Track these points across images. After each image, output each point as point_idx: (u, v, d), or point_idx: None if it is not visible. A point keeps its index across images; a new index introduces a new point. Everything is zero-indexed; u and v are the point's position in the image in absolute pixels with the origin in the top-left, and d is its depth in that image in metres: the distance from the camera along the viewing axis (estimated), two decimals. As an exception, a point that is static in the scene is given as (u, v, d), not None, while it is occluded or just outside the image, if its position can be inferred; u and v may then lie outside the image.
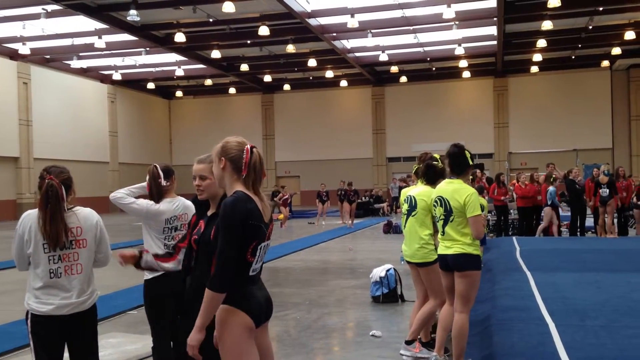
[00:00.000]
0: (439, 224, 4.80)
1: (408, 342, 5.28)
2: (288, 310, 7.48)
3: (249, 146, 2.94)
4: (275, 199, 23.06)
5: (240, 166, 2.91)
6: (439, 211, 4.76)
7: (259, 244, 2.88)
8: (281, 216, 21.72)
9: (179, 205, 4.36)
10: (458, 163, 4.76)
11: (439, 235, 4.84)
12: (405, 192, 5.59)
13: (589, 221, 15.69)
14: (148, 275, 4.25)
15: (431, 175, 5.31)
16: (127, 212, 4.44)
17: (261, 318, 2.93)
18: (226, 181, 2.95)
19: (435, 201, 4.80)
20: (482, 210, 6.60)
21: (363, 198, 28.83)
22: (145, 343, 5.61)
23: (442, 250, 4.78)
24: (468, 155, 4.76)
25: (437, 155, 5.42)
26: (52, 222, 3.37)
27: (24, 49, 26.68)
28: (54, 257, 3.42)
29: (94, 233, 3.56)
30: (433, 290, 5.19)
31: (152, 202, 4.32)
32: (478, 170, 16.01)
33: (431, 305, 5.19)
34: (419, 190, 5.33)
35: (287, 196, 23.16)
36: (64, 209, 3.43)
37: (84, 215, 3.55)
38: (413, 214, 5.28)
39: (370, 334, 6.27)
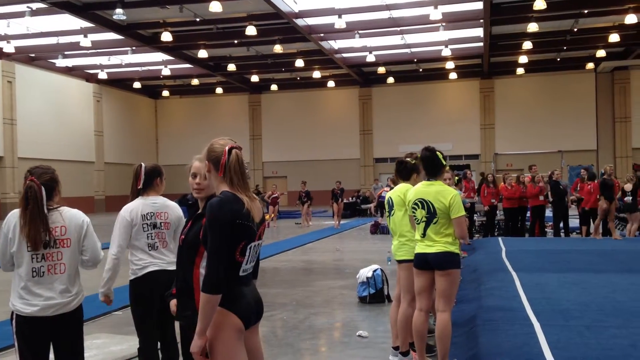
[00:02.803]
0: (420, 226, 4.77)
1: (403, 354, 5.17)
2: (275, 311, 7.47)
3: (227, 147, 2.90)
4: (265, 197, 23.07)
5: (218, 168, 2.91)
6: (420, 213, 4.76)
7: (248, 243, 2.86)
8: (267, 216, 21.71)
9: (157, 203, 4.30)
10: (432, 165, 4.82)
11: (418, 237, 4.82)
12: (387, 195, 5.64)
13: (573, 222, 15.85)
14: (132, 276, 4.23)
15: (402, 170, 5.41)
16: (125, 244, 4.24)
17: (251, 319, 2.91)
18: (213, 183, 2.96)
19: (416, 203, 4.79)
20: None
21: (350, 198, 28.88)
22: (130, 344, 5.58)
23: (421, 249, 4.76)
24: (440, 156, 4.84)
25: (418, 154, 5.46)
26: (31, 223, 3.34)
27: (8, 47, 26.40)
28: (37, 255, 3.39)
29: (79, 233, 3.51)
30: (407, 290, 5.13)
31: (120, 215, 4.25)
32: (468, 171, 16.13)
33: (404, 307, 5.12)
34: (394, 190, 5.38)
35: (276, 194, 23.14)
36: (44, 210, 3.38)
37: (69, 215, 3.51)
38: (392, 213, 5.32)
39: (357, 334, 6.27)
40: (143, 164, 4.36)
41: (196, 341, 2.75)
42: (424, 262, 4.75)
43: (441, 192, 4.71)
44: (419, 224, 4.80)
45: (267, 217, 21.28)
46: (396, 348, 5.29)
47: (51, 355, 3.51)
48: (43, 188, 3.41)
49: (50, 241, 3.40)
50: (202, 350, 2.76)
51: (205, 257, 3.00)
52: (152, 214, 4.24)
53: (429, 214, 4.70)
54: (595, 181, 14.03)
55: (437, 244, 4.67)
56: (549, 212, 15.44)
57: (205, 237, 2.83)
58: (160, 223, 4.26)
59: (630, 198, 13.43)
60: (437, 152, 4.83)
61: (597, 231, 13.45)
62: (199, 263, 3.15)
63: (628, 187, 13.52)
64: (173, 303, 3.44)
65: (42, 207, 3.37)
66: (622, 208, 13.74)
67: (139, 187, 4.29)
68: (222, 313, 2.78)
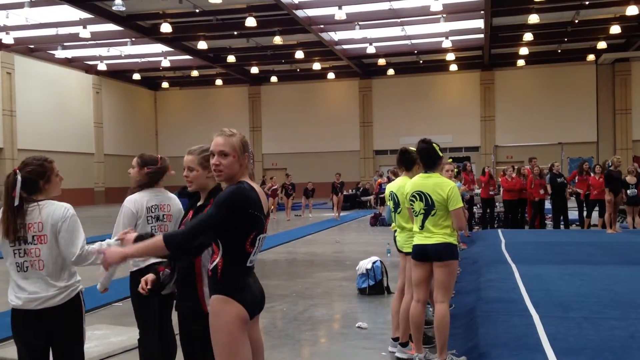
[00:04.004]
0: (418, 219, 4.79)
1: (403, 345, 5.19)
2: (274, 302, 7.48)
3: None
4: (264, 190, 23.08)
5: (251, 159, 3.02)
6: (418, 206, 4.77)
7: (258, 234, 2.90)
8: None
9: (160, 195, 4.28)
10: (429, 157, 4.82)
11: (417, 229, 4.84)
12: (389, 188, 5.62)
13: (573, 214, 15.86)
14: (134, 267, 4.22)
15: (405, 160, 5.38)
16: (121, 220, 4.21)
17: (255, 310, 2.93)
18: (238, 174, 2.95)
19: (414, 196, 4.80)
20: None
21: (350, 191, 28.89)
22: (130, 335, 5.59)
23: (420, 240, 4.78)
24: (437, 148, 4.83)
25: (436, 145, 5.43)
26: (4, 214, 3.32)
27: (7, 39, 26.32)
28: (19, 250, 3.35)
29: (55, 230, 3.37)
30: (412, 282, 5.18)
31: (124, 206, 4.19)
32: (467, 163, 16.15)
33: (408, 298, 5.13)
34: (398, 185, 5.37)
35: (276, 186, 23.12)
36: (14, 202, 3.30)
37: (49, 211, 3.37)
38: (398, 210, 5.33)
39: (357, 325, 6.29)
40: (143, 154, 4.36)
41: (122, 252, 2.87)
42: (422, 253, 4.77)
43: (439, 184, 4.72)
44: (417, 216, 4.82)
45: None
46: (396, 339, 5.31)
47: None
48: (19, 179, 3.32)
49: (27, 237, 3.34)
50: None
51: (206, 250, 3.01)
52: (156, 206, 4.22)
53: (427, 206, 4.72)
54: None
55: (436, 235, 4.69)
56: (547, 205, 15.46)
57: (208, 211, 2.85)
58: (163, 215, 4.25)
59: (635, 191, 13.41)
60: (434, 144, 4.83)
61: (615, 224, 13.38)
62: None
63: (631, 179, 13.50)
64: (149, 278, 3.43)
65: (11, 200, 3.29)
66: (625, 201, 13.74)
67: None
68: (229, 303, 2.81)
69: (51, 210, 3.39)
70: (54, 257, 3.40)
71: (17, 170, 3.37)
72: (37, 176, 3.40)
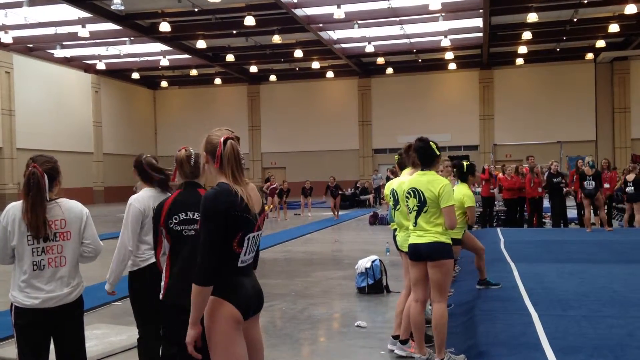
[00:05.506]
0: (412, 216, 4.81)
1: (402, 342, 5.21)
2: (274, 301, 7.49)
3: (222, 138, 2.89)
4: (263, 188, 23.08)
5: (231, 159, 2.89)
6: (412, 202, 4.79)
7: (246, 234, 2.87)
8: (267, 207, 21.73)
9: (162, 196, 4.25)
10: (426, 156, 4.82)
11: (411, 226, 4.85)
12: (390, 186, 5.62)
13: (572, 212, 15.87)
14: (133, 267, 4.21)
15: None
16: (136, 227, 4.13)
17: (249, 310, 2.91)
18: (212, 174, 2.94)
19: (409, 192, 4.82)
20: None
21: (349, 190, 28.88)
22: (130, 334, 5.59)
23: (413, 239, 4.79)
24: (434, 146, 4.83)
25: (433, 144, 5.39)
26: (32, 210, 3.32)
27: (6, 38, 26.26)
28: (37, 249, 3.37)
29: (79, 225, 3.48)
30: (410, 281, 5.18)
31: (131, 205, 4.14)
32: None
33: (409, 298, 5.16)
34: (398, 182, 5.37)
35: (274, 185, 23.09)
36: (46, 199, 3.36)
37: (68, 207, 3.48)
38: (397, 207, 5.32)
39: (356, 324, 6.30)
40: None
41: (189, 331, 2.78)
42: (416, 253, 4.77)
43: (432, 181, 4.73)
44: (410, 213, 4.84)
45: (266, 207, 21.30)
46: (396, 337, 5.32)
47: (51, 348, 3.52)
48: (46, 176, 3.38)
49: (49, 234, 3.38)
50: (195, 341, 2.78)
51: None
52: None
53: (420, 202, 4.73)
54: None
55: (428, 233, 4.69)
56: (547, 203, 15.46)
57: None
58: None
59: (633, 188, 13.43)
60: (431, 143, 4.84)
61: (606, 221, 13.37)
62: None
63: (631, 177, 13.52)
64: None
65: (44, 194, 3.34)
66: (626, 198, 13.79)
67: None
68: (219, 303, 2.80)
69: (70, 207, 3.49)
70: (74, 254, 3.49)
71: (37, 166, 3.39)
72: (56, 173, 3.49)
